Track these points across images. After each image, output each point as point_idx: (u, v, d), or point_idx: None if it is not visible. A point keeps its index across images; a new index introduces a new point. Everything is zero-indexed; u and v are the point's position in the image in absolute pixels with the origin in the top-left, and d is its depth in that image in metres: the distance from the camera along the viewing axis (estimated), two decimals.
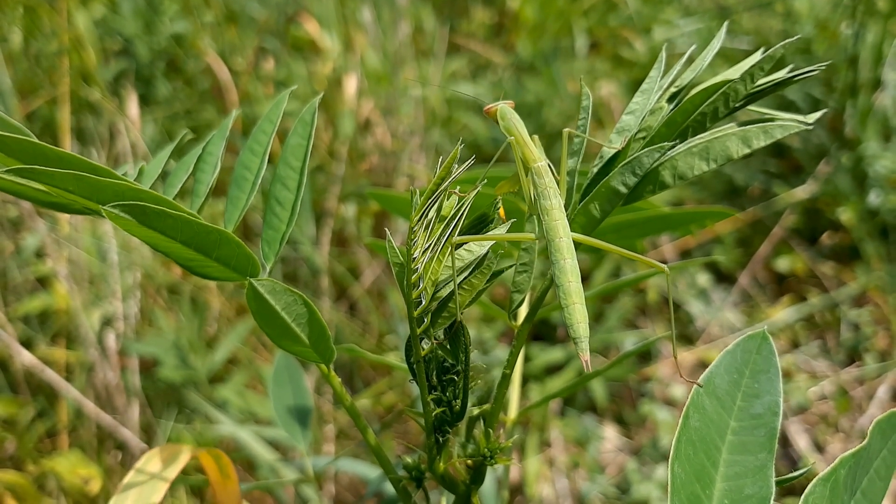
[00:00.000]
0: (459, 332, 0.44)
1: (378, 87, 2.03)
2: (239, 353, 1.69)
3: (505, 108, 0.51)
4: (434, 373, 0.44)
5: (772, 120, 0.45)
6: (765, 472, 0.37)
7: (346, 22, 2.02)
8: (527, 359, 1.92)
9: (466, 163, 0.43)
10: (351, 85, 1.95)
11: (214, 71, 1.77)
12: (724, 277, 2.06)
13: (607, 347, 1.96)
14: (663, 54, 0.49)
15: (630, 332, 1.97)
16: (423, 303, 0.41)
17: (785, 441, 1.86)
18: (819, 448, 1.82)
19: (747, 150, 0.42)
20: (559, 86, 2.12)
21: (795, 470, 0.45)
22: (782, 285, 2.06)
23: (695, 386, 0.40)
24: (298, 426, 0.76)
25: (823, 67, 0.44)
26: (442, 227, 0.41)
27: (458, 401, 0.45)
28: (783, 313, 1.98)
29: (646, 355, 1.98)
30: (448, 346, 0.44)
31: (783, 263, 2.01)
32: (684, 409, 0.40)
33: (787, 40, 0.44)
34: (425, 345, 0.44)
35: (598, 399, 1.87)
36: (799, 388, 1.86)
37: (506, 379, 0.44)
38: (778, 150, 2.07)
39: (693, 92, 0.44)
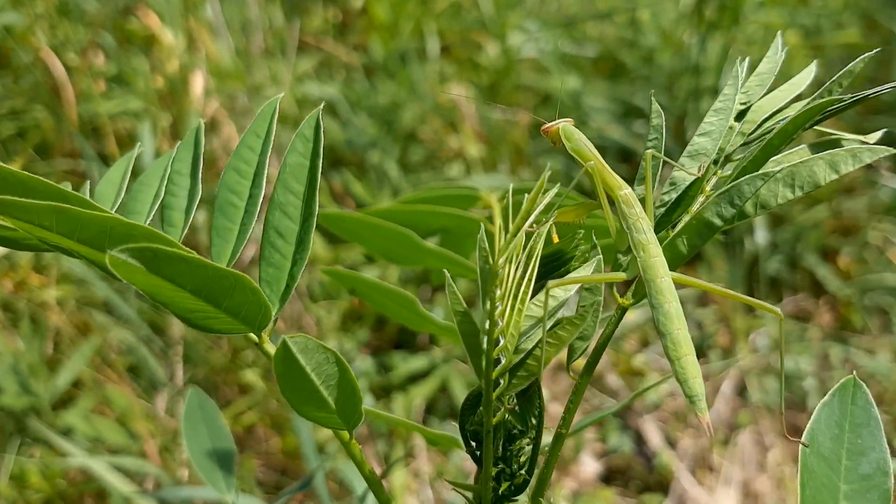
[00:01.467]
0: (535, 394, 0.38)
1: (225, 85, 1.90)
2: (83, 375, 1.53)
3: (569, 127, 0.45)
4: (501, 442, 0.38)
5: (836, 140, 0.42)
6: None
7: (189, 16, 1.88)
8: (387, 368, 1.87)
9: (552, 190, 0.37)
10: (197, 83, 1.81)
11: (49, 67, 1.59)
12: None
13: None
14: (740, 70, 0.45)
15: None
16: (503, 361, 0.35)
17: (639, 438, 1.91)
18: (671, 443, 1.88)
19: (835, 176, 0.39)
20: (416, 88, 2.08)
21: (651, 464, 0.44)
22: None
23: (801, 447, 0.36)
24: (220, 471, 0.67)
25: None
26: (529, 267, 0.35)
27: (524, 472, 0.39)
28: (633, 314, 2.03)
29: None
30: (518, 411, 0.38)
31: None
32: (798, 476, 0.36)
33: (866, 54, 0.41)
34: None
35: (460, 405, 1.85)
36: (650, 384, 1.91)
37: (560, 440, 0.38)
38: (625, 155, 2.13)
39: (793, 112, 0.41)
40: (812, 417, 0.37)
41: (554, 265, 0.40)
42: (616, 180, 0.42)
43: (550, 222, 0.39)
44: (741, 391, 1.96)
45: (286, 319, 1.89)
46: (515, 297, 0.34)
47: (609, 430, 1.93)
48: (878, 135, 0.42)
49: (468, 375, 1.87)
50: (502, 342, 0.34)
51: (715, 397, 1.94)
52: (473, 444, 0.39)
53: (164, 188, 0.43)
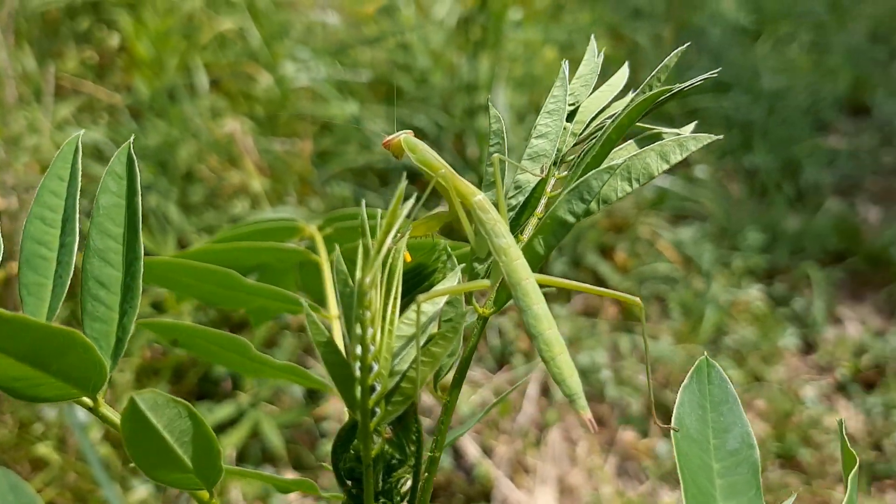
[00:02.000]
0: (411, 419, 0.36)
1: None
2: None
3: (411, 139, 0.44)
4: (380, 475, 0.35)
5: (657, 134, 0.44)
6: None
7: None
8: None
9: (410, 202, 0.36)
10: None
11: None
12: None
13: (278, 392, 1.89)
14: (566, 71, 0.46)
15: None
16: (379, 388, 0.32)
17: (456, 453, 1.93)
18: (487, 453, 1.92)
19: (666, 166, 0.40)
20: (188, 125, 2.00)
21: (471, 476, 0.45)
22: None
23: (673, 433, 0.37)
24: None
25: (715, 74, 0.45)
26: (394, 285, 0.33)
27: (406, 502, 0.37)
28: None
29: (314, 394, 1.94)
30: (395, 439, 0.35)
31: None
32: (676, 461, 0.36)
33: (676, 50, 0.43)
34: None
35: (275, 447, 1.79)
36: (463, 399, 1.94)
37: (434, 463, 0.36)
38: (412, 176, 2.15)
39: (623, 108, 0.42)
40: (677, 401, 0.38)
41: (416, 280, 0.38)
42: (468, 187, 0.42)
43: (406, 237, 0.37)
44: (545, 391, 2.04)
45: None
46: (383, 317, 0.32)
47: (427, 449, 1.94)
48: (691, 127, 0.45)
49: (279, 417, 1.82)
50: (375, 368, 0.32)
51: (522, 401, 2.00)
52: (349, 482, 0.36)
53: None
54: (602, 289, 0.41)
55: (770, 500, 1.84)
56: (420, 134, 2.15)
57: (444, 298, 0.36)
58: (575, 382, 0.39)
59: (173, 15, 2.12)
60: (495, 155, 0.43)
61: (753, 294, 2.19)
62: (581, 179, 0.40)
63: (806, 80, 2.99)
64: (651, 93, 0.41)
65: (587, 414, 0.38)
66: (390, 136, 0.44)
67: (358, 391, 0.31)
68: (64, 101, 1.99)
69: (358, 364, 0.31)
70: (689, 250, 2.26)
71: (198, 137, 2.00)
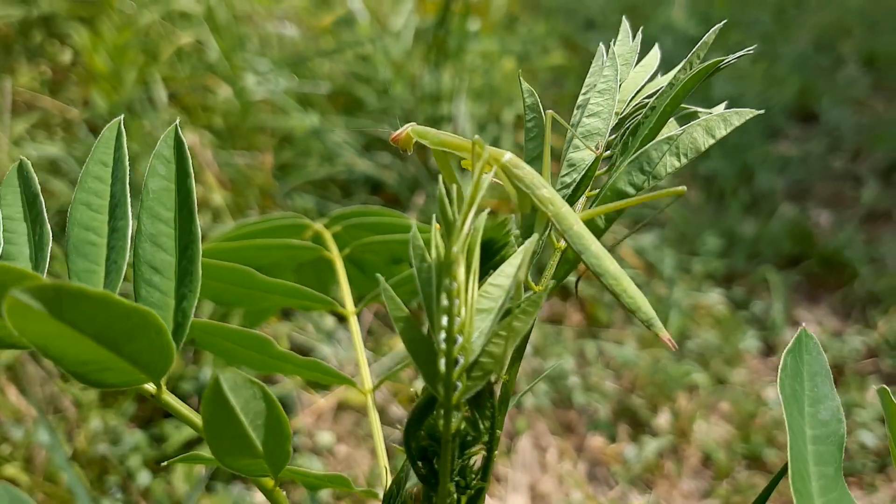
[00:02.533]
0: (486, 396, 0.35)
1: None
2: None
3: (419, 127, 0.44)
4: (455, 452, 0.34)
5: (695, 115, 0.45)
6: (843, 487, 0.36)
7: None
8: (161, 439, 1.74)
9: (489, 176, 0.35)
10: None
11: None
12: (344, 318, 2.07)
13: None
14: (613, 51, 0.46)
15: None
16: (462, 362, 0.32)
17: None
18: None
19: (711, 141, 0.41)
20: (148, 139, 1.97)
21: None
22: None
23: (780, 391, 0.38)
24: None
25: (751, 51, 0.45)
26: (474, 259, 0.32)
27: (480, 480, 0.36)
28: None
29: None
30: (470, 416, 0.35)
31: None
32: (786, 422, 0.37)
33: (716, 26, 0.44)
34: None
35: None
36: None
37: (496, 442, 0.36)
38: (374, 187, 2.15)
39: (676, 80, 0.42)
40: (780, 367, 0.38)
41: (486, 256, 0.38)
42: (497, 150, 0.42)
43: (485, 213, 0.37)
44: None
45: (35, 405, 1.70)
46: (466, 290, 0.32)
47: (399, 460, 1.92)
48: (722, 106, 0.46)
49: None
50: (459, 341, 0.31)
51: None
52: (420, 462, 0.36)
53: None
54: (645, 196, 0.41)
55: (739, 501, 1.87)
56: (384, 144, 2.14)
57: (523, 273, 0.36)
58: (649, 309, 0.41)
59: (131, 28, 2.09)
60: (549, 112, 0.43)
61: (714, 298, 2.23)
62: (641, 151, 0.40)
63: (756, 89, 3.06)
64: (703, 65, 0.41)
65: (665, 335, 0.39)
66: (397, 132, 0.44)
67: (442, 364, 0.31)
68: (19, 117, 1.95)
69: (443, 335, 0.31)
70: (651, 256, 2.29)
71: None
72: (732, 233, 2.45)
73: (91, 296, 0.27)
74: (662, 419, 1.96)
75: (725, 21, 0.46)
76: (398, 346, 2.03)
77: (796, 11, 3.83)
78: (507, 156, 0.41)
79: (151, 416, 1.80)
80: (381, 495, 0.47)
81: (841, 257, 2.41)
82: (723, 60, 0.42)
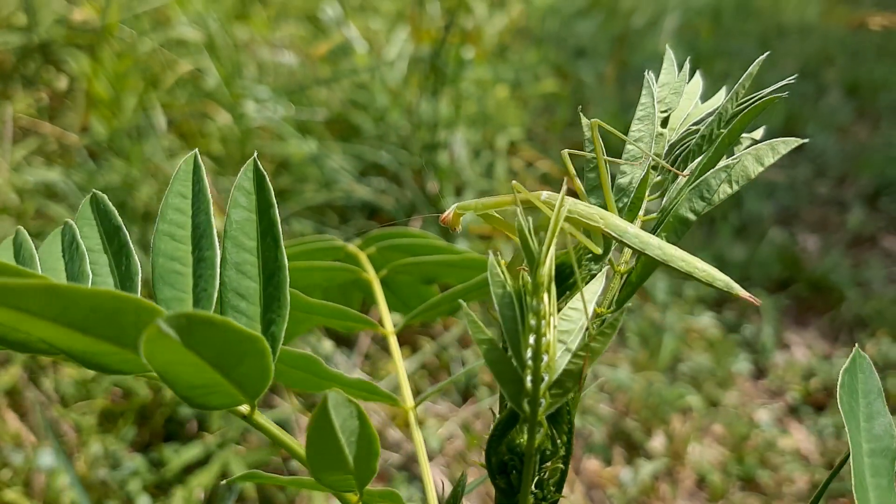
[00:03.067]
0: (564, 411, 0.37)
1: None
2: None
3: (462, 203, 0.46)
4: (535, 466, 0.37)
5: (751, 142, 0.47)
6: (894, 498, 0.39)
7: None
8: (160, 464, 1.74)
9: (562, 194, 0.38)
10: None
11: None
12: (343, 341, 2.09)
13: (245, 433, 1.86)
14: (652, 79, 0.49)
15: (265, 412, 1.89)
16: (546, 379, 0.34)
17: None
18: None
19: (760, 168, 0.44)
20: (148, 164, 1.99)
21: None
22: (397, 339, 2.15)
23: (840, 404, 0.40)
24: None
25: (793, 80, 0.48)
26: (550, 283, 0.34)
27: (555, 495, 0.38)
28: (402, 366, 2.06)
29: (288, 429, 1.91)
30: (549, 431, 0.37)
31: (394, 317, 2.10)
32: (847, 427, 0.39)
33: (759, 58, 0.46)
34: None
35: (245, 487, 1.76)
36: (431, 433, 1.95)
37: (568, 458, 0.38)
38: (372, 212, 2.17)
39: (730, 113, 0.44)
40: (838, 383, 0.41)
41: (560, 282, 0.40)
42: (533, 194, 0.44)
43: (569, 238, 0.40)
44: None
45: (36, 431, 1.70)
46: (550, 313, 0.34)
47: (397, 484, 1.93)
48: (761, 131, 0.48)
49: (247, 457, 1.79)
50: (545, 360, 0.34)
51: (489, 432, 2.01)
52: (498, 477, 0.38)
53: (81, 270, 0.38)
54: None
55: None
56: (380, 170, 2.17)
57: (596, 296, 0.38)
58: (722, 276, 0.44)
59: (131, 56, 2.11)
60: (594, 120, 0.45)
61: (706, 322, 2.26)
62: (701, 179, 0.42)
63: None
64: (763, 100, 0.44)
65: (745, 293, 0.41)
66: (444, 214, 0.47)
67: (528, 381, 0.33)
68: (17, 143, 1.96)
69: (530, 354, 0.33)
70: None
71: (156, 177, 1.98)
72: (722, 257, 2.49)
73: (216, 323, 0.29)
74: (657, 442, 1.99)
75: (769, 52, 0.49)
76: (395, 369, 2.04)
77: (779, 41, 3.90)
78: (544, 195, 0.44)
79: (150, 440, 1.80)
80: None
81: (828, 281, 2.45)
82: (776, 98, 0.44)
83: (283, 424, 1.88)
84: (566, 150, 0.45)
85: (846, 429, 0.39)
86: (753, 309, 2.36)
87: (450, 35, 2.25)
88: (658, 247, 0.43)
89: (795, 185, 2.95)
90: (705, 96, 0.53)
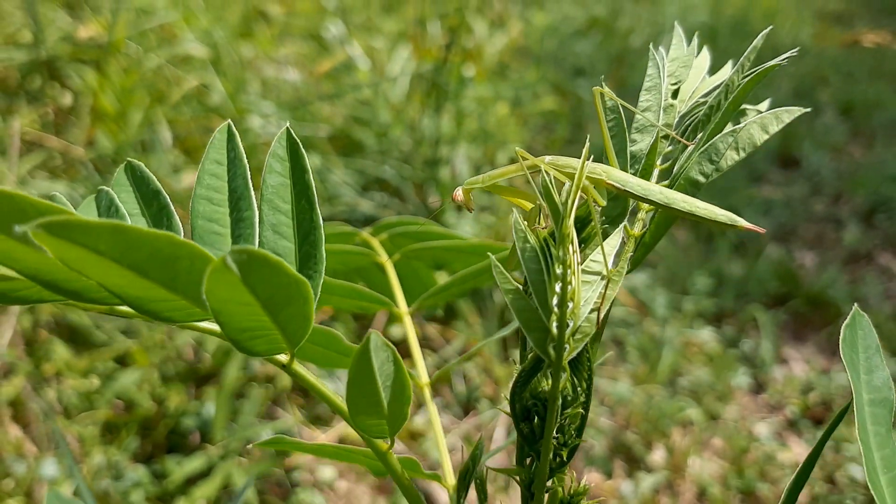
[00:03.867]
0: (584, 358, 0.39)
1: None
2: None
3: (469, 180, 0.48)
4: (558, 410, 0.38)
5: (744, 112, 0.49)
6: (893, 445, 0.41)
7: None
8: (162, 475, 1.74)
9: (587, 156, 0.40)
10: None
11: None
12: (360, 337, 2.09)
13: (248, 442, 1.86)
14: (662, 53, 0.51)
15: (267, 424, 1.90)
16: (571, 325, 0.36)
17: (428, 500, 1.93)
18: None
19: (766, 136, 0.45)
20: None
21: None
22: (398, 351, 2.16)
23: (844, 358, 0.42)
24: None
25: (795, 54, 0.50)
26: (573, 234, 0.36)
27: (575, 440, 0.40)
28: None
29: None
30: (570, 377, 0.39)
31: (396, 331, 2.12)
32: (851, 382, 0.41)
33: (764, 31, 0.48)
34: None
35: (247, 499, 1.76)
36: (433, 445, 1.95)
37: (589, 401, 0.40)
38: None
39: (736, 81, 0.46)
40: (841, 338, 0.43)
41: (579, 230, 0.42)
42: (536, 159, 0.46)
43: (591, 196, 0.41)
44: (511, 433, 2.06)
45: (38, 441, 1.71)
46: (574, 262, 0.36)
47: (397, 499, 1.93)
48: (766, 103, 0.50)
49: (250, 468, 1.80)
50: (570, 307, 0.35)
51: (490, 444, 2.02)
52: (522, 423, 0.40)
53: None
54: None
55: None
56: (383, 185, 2.19)
57: (615, 246, 0.40)
58: (723, 212, 0.44)
59: (137, 71, 2.14)
60: (596, 88, 0.47)
61: (705, 336, 2.28)
62: (709, 143, 0.44)
63: None
64: (765, 67, 0.45)
65: (747, 224, 0.43)
66: (454, 194, 0.48)
67: (554, 327, 0.35)
68: (23, 157, 1.98)
69: (556, 301, 0.35)
70: (643, 295, 2.34)
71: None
72: (721, 273, 2.51)
73: (271, 262, 0.30)
74: (657, 455, 1.99)
75: (771, 27, 0.51)
76: (409, 364, 2.05)
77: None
78: (547, 158, 0.46)
79: (153, 452, 1.81)
80: (444, 480, 0.50)
81: (825, 297, 2.47)
82: (778, 62, 0.46)
83: (286, 434, 1.88)
84: (596, 87, 0.47)
85: (849, 378, 0.41)
86: (752, 324, 2.38)
87: (451, 54, 2.28)
88: (660, 192, 0.44)
89: (792, 203, 2.98)
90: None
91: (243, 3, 2.69)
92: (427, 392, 0.57)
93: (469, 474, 0.45)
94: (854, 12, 5.17)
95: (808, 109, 0.47)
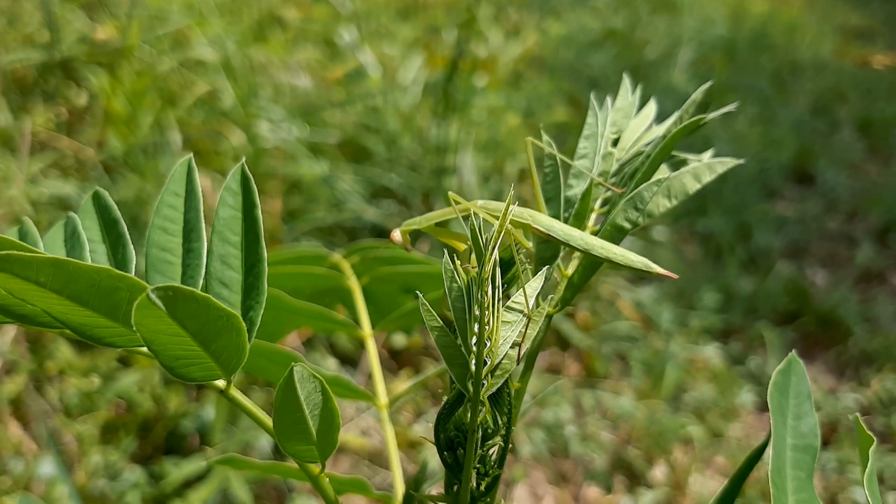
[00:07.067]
0: (504, 393, 0.40)
1: None
2: None
3: (406, 223, 0.49)
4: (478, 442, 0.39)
5: (685, 162, 0.50)
6: (812, 491, 0.41)
7: None
8: (159, 477, 1.75)
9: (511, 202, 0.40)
10: None
11: None
12: (347, 360, 2.11)
13: (245, 448, 1.87)
14: (594, 102, 0.52)
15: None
16: (489, 362, 0.37)
17: None
18: None
19: (698, 186, 0.46)
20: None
21: None
22: (398, 360, 2.17)
23: (770, 399, 0.42)
24: None
25: (734, 108, 0.50)
26: (497, 274, 0.37)
27: (495, 470, 0.41)
28: (405, 386, 2.07)
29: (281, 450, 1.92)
30: (491, 410, 0.40)
31: (399, 340, 2.12)
32: (772, 421, 0.41)
33: (703, 86, 0.49)
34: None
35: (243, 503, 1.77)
36: (431, 454, 1.95)
37: (510, 435, 0.41)
38: (380, 234, 2.19)
39: (664, 132, 0.47)
40: (771, 382, 0.43)
41: (504, 269, 0.43)
42: (468, 203, 0.47)
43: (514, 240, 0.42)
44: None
45: (37, 440, 1.72)
46: (493, 304, 0.37)
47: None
48: (709, 153, 0.51)
49: (247, 472, 1.80)
50: (487, 345, 0.36)
51: None
52: (447, 452, 0.41)
53: (80, 257, 0.41)
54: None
55: None
56: (390, 193, 2.19)
57: (537, 288, 0.40)
58: (639, 258, 0.45)
59: (149, 74, 2.16)
60: (528, 138, 0.48)
61: (711, 352, 2.26)
62: (635, 191, 0.45)
63: (754, 150, 3.14)
64: (688, 122, 0.46)
65: (659, 270, 0.44)
66: (392, 234, 0.50)
67: (472, 364, 0.36)
68: (34, 156, 2.00)
69: (474, 340, 0.36)
70: (649, 310, 2.33)
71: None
72: (730, 289, 2.49)
73: (198, 298, 0.32)
74: (658, 471, 1.98)
75: (712, 82, 0.51)
76: (398, 388, 2.05)
77: (792, 77, 3.93)
78: (479, 202, 0.47)
79: (151, 453, 1.82)
80: (395, 500, 0.51)
81: (836, 316, 2.45)
82: (706, 117, 0.47)
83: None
84: (529, 138, 0.48)
85: (771, 421, 0.41)
86: (760, 342, 2.36)
87: (462, 62, 2.29)
88: (580, 237, 0.45)
89: (805, 220, 2.95)
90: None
91: (259, 8, 2.71)
92: (385, 413, 0.57)
93: (409, 500, 0.46)
94: (876, 29, 5.13)
95: (742, 161, 0.47)
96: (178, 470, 1.74)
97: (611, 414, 2.10)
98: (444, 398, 0.40)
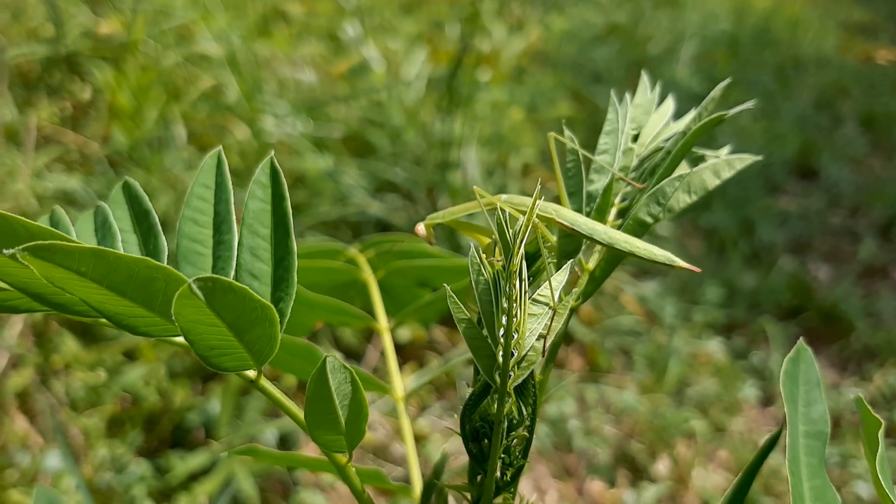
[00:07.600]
0: (529, 384, 0.41)
1: None
2: None
3: (430, 217, 0.50)
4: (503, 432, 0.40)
5: (703, 158, 0.50)
6: (824, 476, 0.41)
7: None
8: (165, 470, 1.76)
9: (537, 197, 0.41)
10: None
11: None
12: (351, 354, 2.11)
13: (251, 441, 1.88)
14: (614, 98, 0.52)
15: (271, 422, 1.91)
16: (516, 354, 0.38)
17: None
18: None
19: (717, 181, 0.46)
20: (167, 175, 2.03)
21: None
22: (402, 354, 2.18)
23: (782, 388, 0.43)
24: None
25: (752, 105, 0.51)
26: (524, 266, 0.38)
27: (520, 460, 0.42)
28: (408, 380, 2.08)
29: (286, 442, 1.94)
30: (516, 402, 0.41)
31: (403, 334, 2.13)
32: (786, 409, 0.42)
33: (723, 83, 0.49)
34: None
35: (249, 496, 1.78)
36: (437, 447, 1.96)
37: (534, 424, 0.42)
38: (385, 228, 2.20)
39: (685, 129, 0.47)
40: (782, 370, 0.44)
41: (532, 267, 0.44)
42: (494, 197, 0.47)
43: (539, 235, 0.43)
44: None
45: (44, 433, 1.73)
46: (521, 296, 0.38)
47: (399, 500, 1.94)
48: (726, 150, 0.51)
49: (253, 466, 1.81)
50: (514, 337, 0.37)
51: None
52: (471, 443, 0.42)
53: (113, 247, 0.42)
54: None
55: None
56: (394, 187, 2.20)
57: (563, 280, 0.41)
58: (663, 252, 0.46)
59: (154, 69, 2.16)
60: (550, 133, 0.49)
61: (714, 347, 2.27)
62: (657, 186, 0.45)
63: (757, 145, 3.14)
64: (708, 118, 0.47)
65: (682, 263, 0.45)
66: (416, 228, 0.50)
67: (500, 356, 0.37)
68: (39, 150, 2.01)
69: (501, 332, 0.36)
70: (652, 304, 2.33)
71: (174, 187, 2.02)
72: (733, 284, 2.50)
73: (235, 289, 0.33)
74: (661, 465, 1.99)
75: (730, 80, 0.52)
76: (403, 382, 2.06)
77: (796, 72, 3.93)
78: (504, 197, 0.47)
79: (157, 446, 1.83)
80: (412, 492, 0.51)
81: (838, 311, 2.46)
82: (727, 113, 0.47)
83: (287, 437, 1.90)
84: (552, 133, 0.49)
85: (786, 409, 0.42)
86: (763, 336, 2.37)
87: (466, 57, 2.29)
88: (604, 232, 0.46)
89: (808, 215, 2.96)
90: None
91: (263, 3, 2.71)
92: (402, 406, 0.58)
93: (430, 489, 0.46)
94: (879, 24, 5.13)
95: (760, 158, 0.48)
96: (183, 463, 1.74)
97: (614, 408, 2.11)
98: (469, 390, 0.41)
